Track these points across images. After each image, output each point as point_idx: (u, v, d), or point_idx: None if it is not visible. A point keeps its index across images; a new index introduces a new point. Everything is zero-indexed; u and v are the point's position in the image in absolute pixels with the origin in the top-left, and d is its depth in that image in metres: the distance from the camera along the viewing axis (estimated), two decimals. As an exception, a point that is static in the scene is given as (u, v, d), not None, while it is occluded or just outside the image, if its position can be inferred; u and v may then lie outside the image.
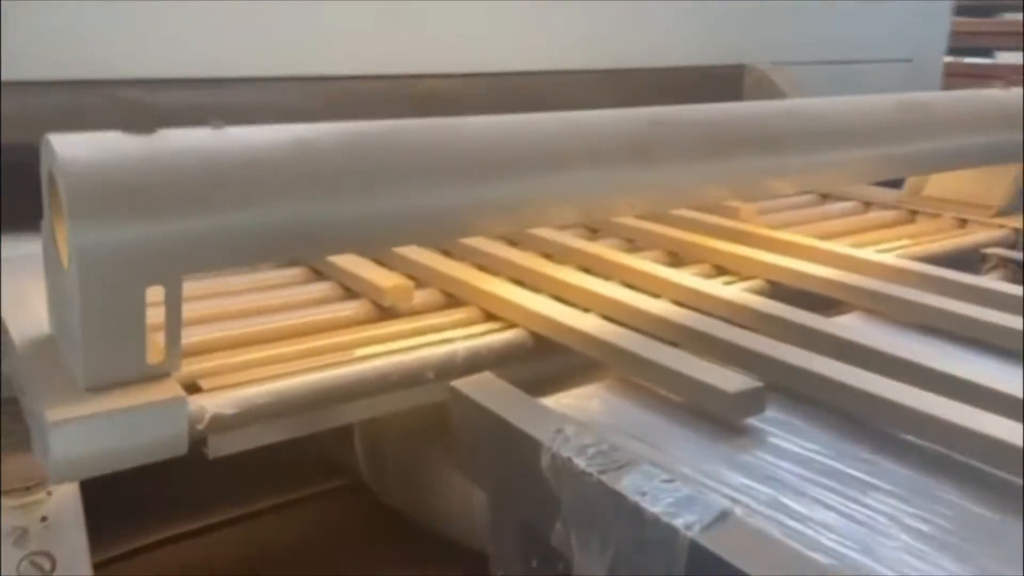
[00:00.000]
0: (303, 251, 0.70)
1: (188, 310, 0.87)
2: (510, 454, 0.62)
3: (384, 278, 0.90)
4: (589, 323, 0.82)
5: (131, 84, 1.23)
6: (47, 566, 0.82)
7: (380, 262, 1.01)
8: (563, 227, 1.23)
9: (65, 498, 0.84)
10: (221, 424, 0.70)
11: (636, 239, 1.16)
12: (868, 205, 1.37)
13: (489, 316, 0.89)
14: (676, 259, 1.09)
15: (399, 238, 0.75)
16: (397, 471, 1.06)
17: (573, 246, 1.07)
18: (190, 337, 0.80)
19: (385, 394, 0.79)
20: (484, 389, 0.67)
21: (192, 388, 0.71)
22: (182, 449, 0.66)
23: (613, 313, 0.86)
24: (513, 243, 1.10)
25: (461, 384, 0.67)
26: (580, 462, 0.56)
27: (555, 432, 0.59)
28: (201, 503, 1.32)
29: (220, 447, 0.72)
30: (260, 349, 0.80)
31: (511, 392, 0.66)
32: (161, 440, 0.65)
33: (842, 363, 0.71)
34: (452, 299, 0.94)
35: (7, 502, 0.81)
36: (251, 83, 1.33)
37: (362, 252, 0.96)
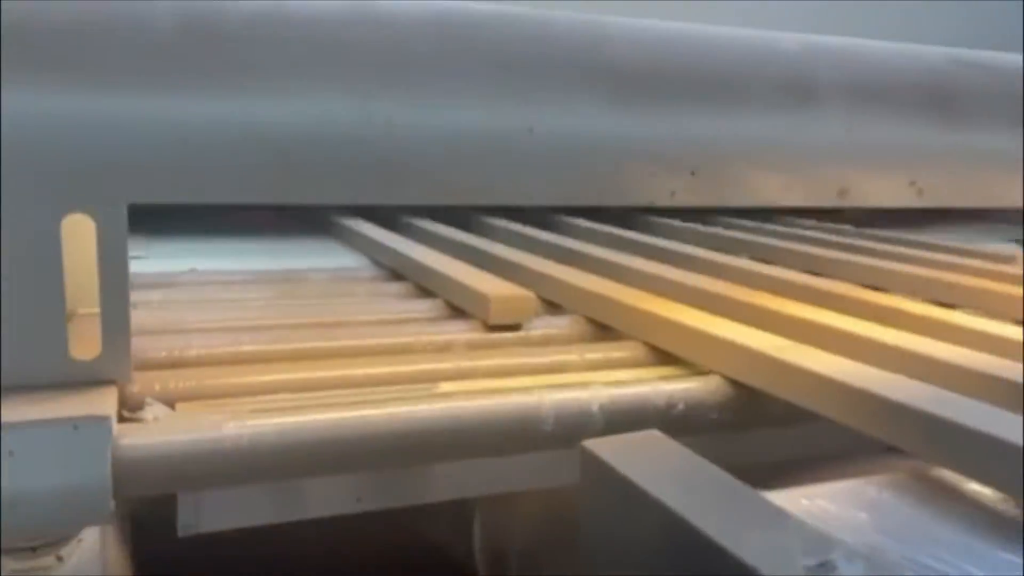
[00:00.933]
0: (340, 186, 0.41)
1: (230, 317, 0.62)
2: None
3: (494, 286, 0.60)
4: (845, 369, 0.46)
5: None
6: (57, 646, 0.58)
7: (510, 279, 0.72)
8: (765, 259, 0.90)
9: (86, 563, 0.60)
10: (191, 475, 0.41)
11: (876, 281, 0.80)
12: None
13: (660, 355, 0.57)
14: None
15: (496, 186, 0.45)
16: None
17: (781, 277, 0.73)
18: (206, 347, 0.53)
19: (484, 460, 0.48)
20: (647, 456, 0.34)
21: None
22: (103, 512, 0.38)
23: (886, 362, 0.50)
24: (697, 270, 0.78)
25: (600, 445, 0.35)
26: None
27: (815, 566, 0.25)
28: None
29: (194, 518, 0.43)
30: (304, 368, 0.52)
31: (705, 470, 0.33)
32: (67, 490, 0.37)
33: None
34: (604, 329, 0.62)
35: (9, 564, 0.58)
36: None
37: (435, 199, 0.67)
